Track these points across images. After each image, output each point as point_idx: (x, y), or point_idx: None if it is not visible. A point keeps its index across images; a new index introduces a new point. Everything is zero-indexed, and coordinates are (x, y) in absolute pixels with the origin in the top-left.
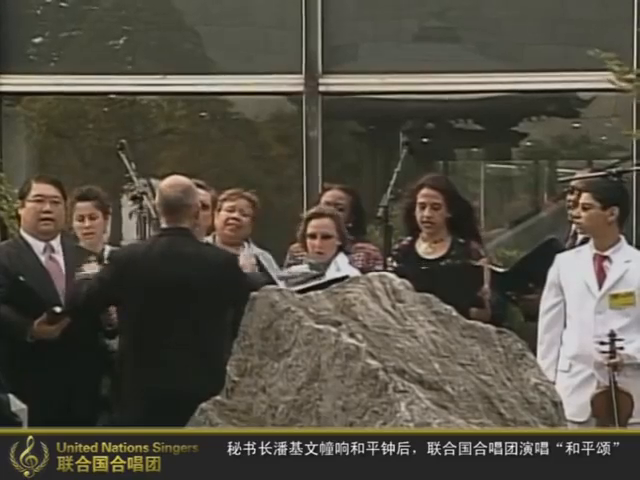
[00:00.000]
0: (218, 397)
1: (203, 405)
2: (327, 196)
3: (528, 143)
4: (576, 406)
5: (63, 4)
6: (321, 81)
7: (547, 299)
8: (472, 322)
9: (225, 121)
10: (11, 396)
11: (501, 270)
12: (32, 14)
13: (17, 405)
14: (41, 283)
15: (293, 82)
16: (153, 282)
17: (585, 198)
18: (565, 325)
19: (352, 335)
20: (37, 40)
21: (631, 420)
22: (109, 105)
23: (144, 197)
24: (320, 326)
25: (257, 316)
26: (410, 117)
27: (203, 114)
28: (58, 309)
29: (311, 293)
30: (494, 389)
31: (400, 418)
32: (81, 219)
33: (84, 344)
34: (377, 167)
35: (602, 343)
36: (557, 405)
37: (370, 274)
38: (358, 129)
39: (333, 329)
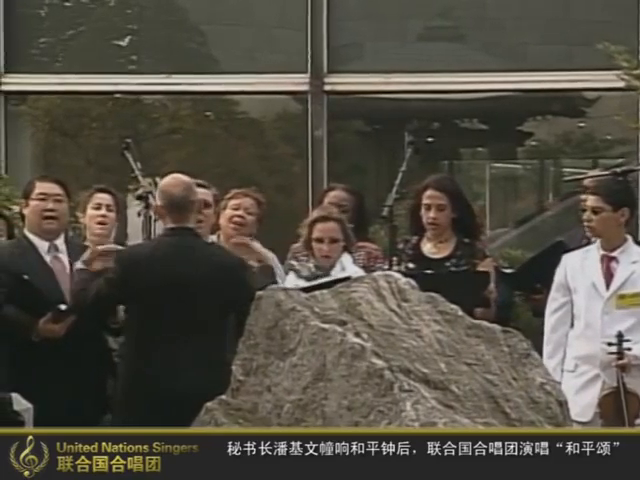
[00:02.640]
0: (223, 396)
1: (208, 404)
2: (330, 197)
3: (533, 142)
4: (581, 406)
5: (67, 3)
6: (326, 80)
7: (554, 299)
8: (477, 322)
9: (230, 120)
10: (15, 395)
11: (509, 271)
12: (37, 14)
13: (22, 404)
14: (46, 282)
15: (298, 81)
16: (159, 282)
17: (595, 201)
18: (572, 325)
19: (357, 334)
20: (42, 39)
21: (638, 420)
22: (113, 104)
23: (149, 196)
24: (325, 325)
25: (262, 315)
26: (415, 116)
27: (208, 113)
28: (63, 307)
29: (316, 292)
30: (499, 389)
31: (405, 417)
32: (98, 207)
33: (89, 343)
34: (382, 166)
35: (610, 344)
36: (562, 405)
37: (375, 273)
38: (363, 128)
39: (338, 328)
